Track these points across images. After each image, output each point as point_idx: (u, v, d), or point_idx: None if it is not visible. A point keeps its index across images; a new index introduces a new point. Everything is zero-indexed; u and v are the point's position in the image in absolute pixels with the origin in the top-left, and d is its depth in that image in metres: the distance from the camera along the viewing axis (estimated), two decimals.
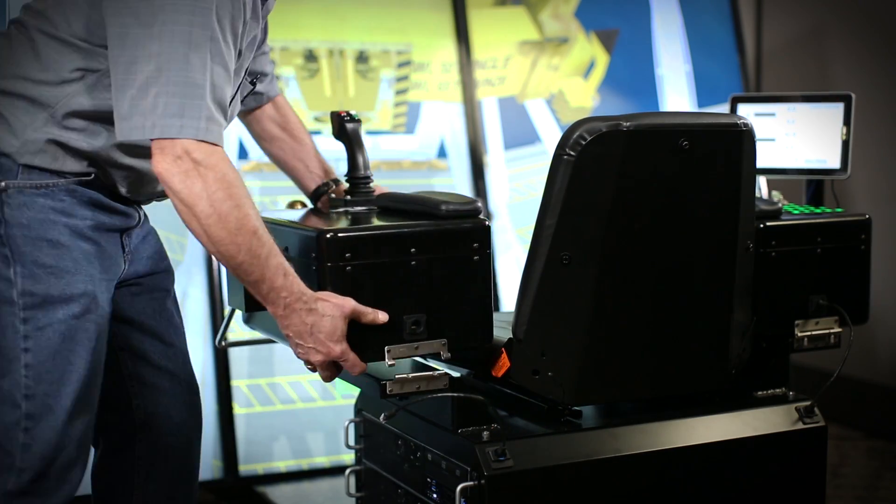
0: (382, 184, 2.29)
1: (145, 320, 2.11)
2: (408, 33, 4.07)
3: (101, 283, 1.92)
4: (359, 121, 2.18)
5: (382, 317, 1.88)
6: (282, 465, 3.63)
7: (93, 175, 1.89)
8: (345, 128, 2.16)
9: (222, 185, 1.74)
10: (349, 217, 2.07)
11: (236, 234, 1.75)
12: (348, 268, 1.88)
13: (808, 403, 2.29)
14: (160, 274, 2.14)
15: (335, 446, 3.62)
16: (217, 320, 3.57)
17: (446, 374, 2.02)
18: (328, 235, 1.87)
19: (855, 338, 2.31)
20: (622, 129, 1.99)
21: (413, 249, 1.92)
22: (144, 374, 2.11)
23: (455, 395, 2.01)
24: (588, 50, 4.36)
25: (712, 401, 2.26)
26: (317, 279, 1.89)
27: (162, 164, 1.74)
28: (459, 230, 1.96)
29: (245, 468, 3.59)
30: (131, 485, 2.11)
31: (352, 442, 2.46)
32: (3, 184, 1.84)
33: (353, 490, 2.47)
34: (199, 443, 2.20)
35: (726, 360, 2.18)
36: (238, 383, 3.61)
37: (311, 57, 3.87)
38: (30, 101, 1.86)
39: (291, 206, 2.35)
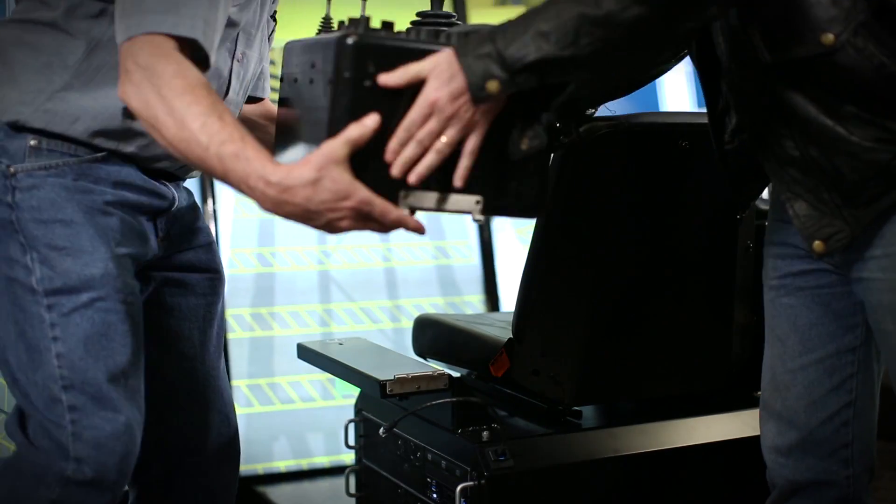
0: None
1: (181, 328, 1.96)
2: None
3: (125, 259, 1.77)
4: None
5: (371, 120, 1.49)
6: (282, 465, 3.63)
7: (106, 152, 1.74)
8: None
9: (165, 79, 1.55)
10: (379, 30, 1.57)
11: (182, 128, 1.54)
12: (367, 83, 1.49)
13: None
14: (205, 270, 1.95)
15: (335, 446, 3.62)
16: None
17: (446, 374, 2.02)
18: (349, 41, 1.49)
19: None
20: (622, 129, 1.99)
21: None
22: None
23: (454, 399, 2.01)
24: None
25: (712, 401, 2.26)
26: (330, 99, 1.50)
27: (119, 88, 1.58)
28: None
29: (245, 468, 3.58)
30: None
31: (352, 442, 2.46)
32: (11, 168, 1.72)
33: (353, 490, 2.47)
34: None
35: (726, 360, 2.18)
36: (238, 383, 3.60)
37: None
38: (45, 57, 1.73)
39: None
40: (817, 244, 1.60)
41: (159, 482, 1.99)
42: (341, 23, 1.62)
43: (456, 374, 2.07)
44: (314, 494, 3.54)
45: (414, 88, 1.48)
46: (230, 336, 3.59)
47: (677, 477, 2.15)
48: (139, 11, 1.59)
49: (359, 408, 2.45)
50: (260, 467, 3.58)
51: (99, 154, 1.75)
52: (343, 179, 1.49)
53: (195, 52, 1.61)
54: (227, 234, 3.61)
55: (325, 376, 3.62)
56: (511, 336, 2.06)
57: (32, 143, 1.73)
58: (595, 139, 1.97)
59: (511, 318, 2.08)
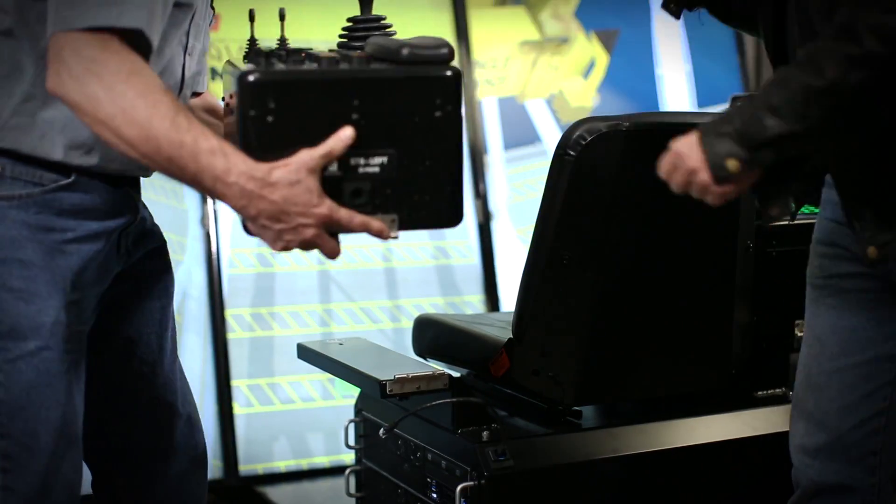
0: None
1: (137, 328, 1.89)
2: (408, 33, 4.07)
3: (79, 303, 1.69)
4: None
5: (346, 133, 1.53)
6: (282, 465, 3.63)
7: (73, 177, 1.65)
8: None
9: (120, 77, 1.49)
10: (291, 59, 1.62)
11: (149, 128, 1.49)
12: (269, 118, 1.53)
13: None
14: (159, 273, 1.91)
15: (335, 446, 3.62)
16: (216, 320, 3.57)
17: (446, 374, 2.02)
18: (249, 78, 1.52)
19: None
20: (622, 129, 1.99)
21: (356, 101, 1.54)
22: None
23: (454, 399, 2.01)
24: (588, 50, 4.36)
25: (712, 401, 2.26)
26: (241, 133, 1.54)
27: (52, 79, 1.49)
28: (417, 78, 1.57)
29: (245, 468, 3.58)
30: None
31: (352, 442, 2.46)
32: None
33: (353, 490, 2.47)
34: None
35: (726, 360, 2.18)
36: (238, 383, 3.60)
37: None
38: (3, 68, 1.62)
39: None
40: (871, 250, 1.60)
41: (126, 491, 1.93)
42: (258, 51, 1.66)
43: (456, 374, 2.07)
44: (314, 494, 3.54)
45: (326, 120, 1.53)
46: (230, 336, 3.59)
47: (677, 477, 2.15)
48: (79, 2, 1.49)
49: (359, 408, 2.45)
50: (260, 467, 3.58)
51: (63, 181, 1.66)
52: (316, 187, 1.53)
53: (137, 42, 1.53)
54: (227, 234, 3.61)
55: (325, 376, 3.61)
56: (511, 336, 2.06)
57: None
58: (595, 139, 1.97)
59: (511, 318, 2.08)
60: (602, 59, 4.38)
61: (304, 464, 3.64)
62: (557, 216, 2.00)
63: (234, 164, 1.51)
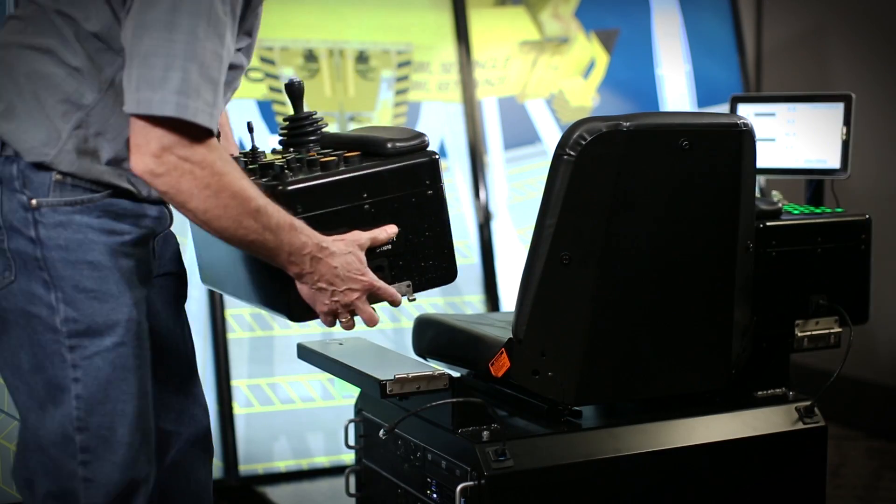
0: None
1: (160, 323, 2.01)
2: (408, 33, 4.07)
3: (142, 301, 1.82)
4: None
5: (392, 229, 1.87)
6: (282, 465, 3.63)
7: (127, 180, 1.78)
8: (292, 86, 2.06)
9: (213, 177, 1.65)
10: (298, 166, 1.89)
11: (240, 220, 1.69)
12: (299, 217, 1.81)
13: (808, 403, 2.29)
14: (178, 276, 2.03)
15: (335, 446, 3.62)
16: (217, 320, 3.57)
17: (446, 374, 2.02)
18: (279, 189, 1.80)
19: (855, 338, 2.31)
20: (622, 129, 1.99)
21: (365, 194, 1.86)
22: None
23: (454, 400, 2.01)
24: (588, 50, 4.36)
25: (712, 401, 2.26)
26: None
27: (140, 162, 1.64)
28: (409, 168, 1.90)
29: (245, 468, 3.58)
30: None
31: (352, 442, 2.46)
32: (34, 202, 1.72)
33: (353, 490, 2.47)
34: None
35: (726, 360, 2.18)
36: (238, 383, 3.60)
37: (311, 57, 3.87)
38: (64, 95, 1.74)
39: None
40: None
41: None
42: (268, 164, 1.88)
43: (456, 374, 2.07)
44: (314, 494, 3.54)
45: (346, 213, 1.85)
46: (230, 336, 3.59)
47: (677, 477, 2.15)
48: (161, 88, 1.62)
49: (359, 408, 2.45)
50: (260, 467, 3.58)
51: (119, 188, 1.78)
52: (364, 261, 1.84)
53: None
54: None
55: (325, 376, 3.62)
56: (511, 336, 2.06)
57: (57, 177, 1.74)
58: (595, 139, 1.97)
59: (511, 318, 2.08)
60: (602, 59, 4.38)
61: (304, 464, 3.64)
62: (557, 216, 2.00)
63: (310, 235, 1.77)
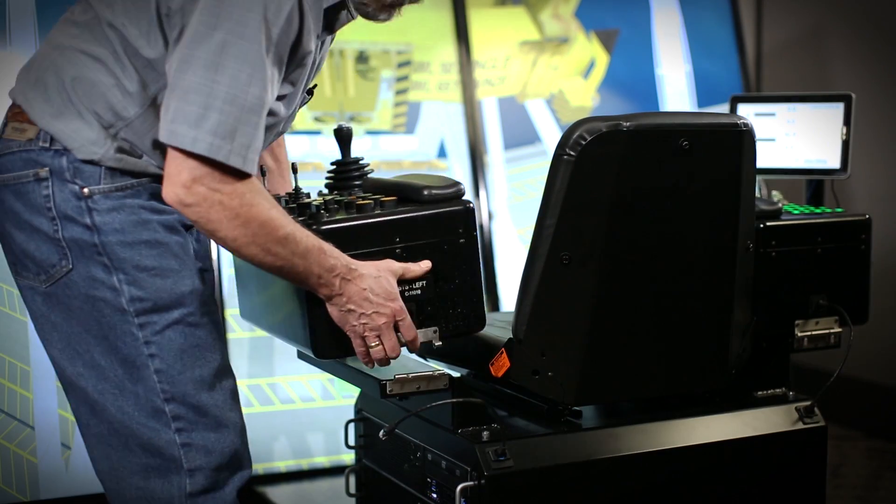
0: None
1: None
2: (408, 33, 4.07)
3: (200, 273, 1.89)
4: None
5: (426, 264, 1.89)
6: (282, 465, 3.63)
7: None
8: (341, 131, 2.16)
9: (242, 207, 1.70)
10: (335, 207, 1.98)
11: (269, 247, 1.73)
12: None
13: (808, 403, 2.29)
14: (209, 272, 2.08)
15: (335, 446, 3.62)
16: None
17: (446, 374, 2.02)
18: (314, 228, 1.84)
19: (855, 338, 2.31)
20: (622, 129, 1.99)
21: (397, 238, 1.90)
22: None
23: (454, 400, 2.01)
24: (588, 50, 4.36)
25: (712, 401, 2.26)
26: None
27: (171, 192, 1.70)
28: (443, 215, 1.93)
29: None
30: None
31: (352, 442, 2.46)
32: (86, 190, 1.79)
33: (353, 490, 2.47)
34: None
35: (726, 360, 2.18)
36: (238, 383, 3.61)
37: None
38: (108, 105, 1.80)
39: None
40: None
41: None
42: (305, 205, 1.93)
43: (456, 374, 2.07)
44: (314, 494, 3.54)
45: (379, 256, 1.88)
46: (230, 336, 3.59)
47: (677, 477, 2.15)
48: (197, 126, 1.66)
49: (359, 408, 2.46)
50: (260, 467, 3.58)
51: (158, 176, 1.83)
52: (394, 286, 1.86)
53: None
54: None
55: (325, 376, 3.62)
56: (511, 336, 2.06)
57: (105, 168, 1.80)
58: (595, 139, 1.97)
59: (511, 318, 2.08)
60: (602, 59, 4.38)
61: (304, 464, 3.64)
62: (557, 216, 2.00)
63: (338, 257, 1.80)
